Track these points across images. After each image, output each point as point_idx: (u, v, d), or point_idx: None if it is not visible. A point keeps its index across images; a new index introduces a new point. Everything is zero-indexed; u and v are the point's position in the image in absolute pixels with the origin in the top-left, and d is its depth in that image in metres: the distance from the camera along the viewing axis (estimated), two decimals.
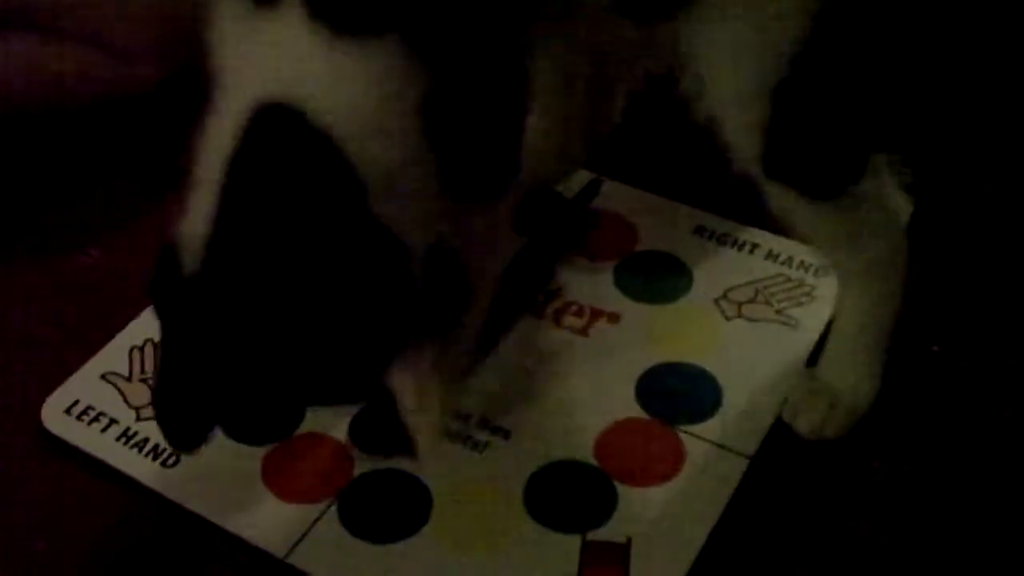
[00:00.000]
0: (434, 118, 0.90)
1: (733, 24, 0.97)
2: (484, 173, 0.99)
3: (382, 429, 1.01)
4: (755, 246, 1.28)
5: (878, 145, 1.06)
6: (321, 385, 0.94)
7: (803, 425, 1.12)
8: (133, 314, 1.23)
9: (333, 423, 1.13)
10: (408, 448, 0.95)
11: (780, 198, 1.04)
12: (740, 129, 1.00)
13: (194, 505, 1.09)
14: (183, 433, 0.96)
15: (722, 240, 1.29)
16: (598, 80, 1.27)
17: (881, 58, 1.01)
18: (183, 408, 0.94)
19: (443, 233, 0.93)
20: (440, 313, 0.94)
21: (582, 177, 1.34)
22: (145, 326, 1.22)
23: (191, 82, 1.38)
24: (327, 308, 0.89)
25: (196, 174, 0.91)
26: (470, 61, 0.93)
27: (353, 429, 1.10)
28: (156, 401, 0.97)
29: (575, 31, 1.06)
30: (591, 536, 1.06)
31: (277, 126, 0.88)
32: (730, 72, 0.99)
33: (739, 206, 1.22)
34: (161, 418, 0.96)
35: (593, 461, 1.11)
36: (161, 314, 0.93)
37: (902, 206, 1.10)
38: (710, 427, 1.13)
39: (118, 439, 1.14)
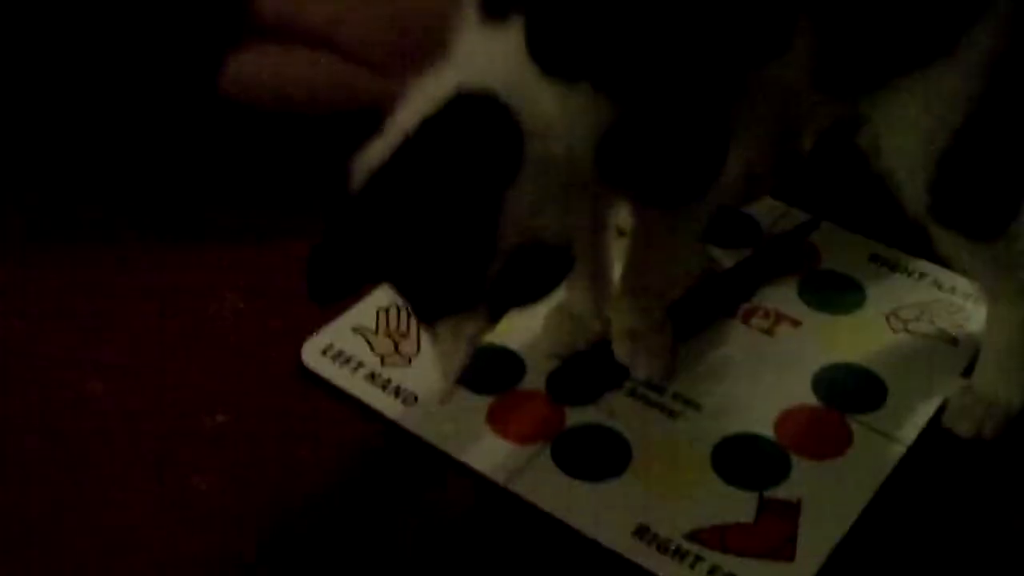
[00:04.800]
0: (609, 148, 1.11)
1: (909, 105, 1.16)
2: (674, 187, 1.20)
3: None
4: (923, 275, 1.45)
5: None
6: (406, 291, 1.15)
7: (963, 428, 1.28)
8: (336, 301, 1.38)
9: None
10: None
11: (946, 240, 1.23)
12: (911, 186, 1.19)
13: (428, 436, 1.28)
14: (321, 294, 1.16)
15: (894, 267, 1.46)
16: (788, 118, 1.45)
17: None
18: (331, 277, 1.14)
19: (548, 232, 1.10)
20: (514, 297, 1.13)
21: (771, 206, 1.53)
22: (391, 292, 1.42)
23: None
24: (418, 246, 1.09)
25: (389, 124, 1.12)
26: (657, 107, 1.12)
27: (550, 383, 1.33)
28: (311, 265, 1.14)
29: (766, 97, 1.23)
30: (767, 494, 1.23)
31: (476, 104, 1.08)
32: (902, 141, 1.17)
33: (912, 241, 1.41)
34: (312, 278, 1.14)
35: (772, 435, 1.28)
36: (328, 216, 1.13)
37: None
38: (875, 417, 1.29)
39: (365, 379, 1.34)
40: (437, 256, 1.10)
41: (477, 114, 1.09)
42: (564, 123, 1.09)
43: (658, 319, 1.32)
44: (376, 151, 1.11)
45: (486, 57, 1.11)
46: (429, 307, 1.15)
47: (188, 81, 1.62)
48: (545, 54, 1.10)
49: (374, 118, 1.63)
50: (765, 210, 1.53)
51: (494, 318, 1.14)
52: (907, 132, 1.17)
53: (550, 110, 1.09)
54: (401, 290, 1.16)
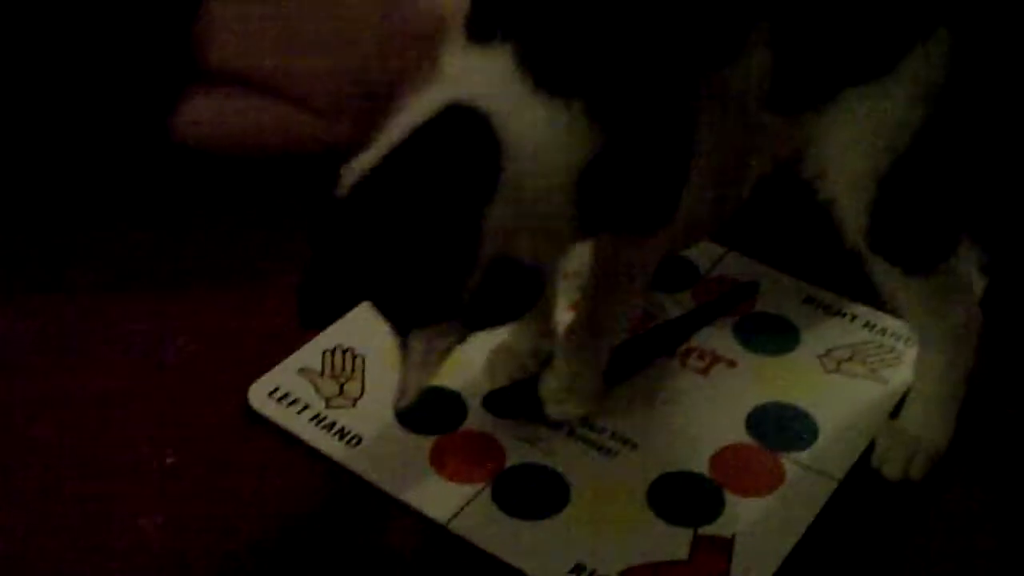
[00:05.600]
0: (591, 179, 1.14)
1: (853, 124, 1.20)
2: (639, 217, 1.24)
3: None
4: (856, 317, 1.49)
5: (964, 228, 1.27)
6: (386, 299, 1.17)
7: (889, 469, 1.32)
8: (327, 323, 1.46)
9: (494, 423, 1.36)
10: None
11: (881, 271, 1.26)
12: (851, 210, 1.22)
13: (372, 477, 1.31)
14: (314, 313, 1.20)
15: (828, 309, 1.50)
16: (733, 158, 1.49)
17: (975, 156, 1.23)
18: (319, 294, 1.18)
19: (524, 252, 1.14)
20: (490, 313, 1.16)
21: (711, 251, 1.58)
22: (336, 334, 1.45)
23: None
24: (401, 253, 1.12)
25: (380, 134, 1.15)
26: (640, 131, 1.17)
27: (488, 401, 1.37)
28: (301, 287, 1.18)
29: (723, 114, 1.28)
30: (702, 531, 1.26)
31: (462, 119, 1.12)
32: (846, 162, 1.21)
33: (846, 284, 1.45)
34: (301, 300, 1.19)
35: (707, 473, 1.32)
36: (314, 222, 1.17)
37: (978, 282, 1.31)
38: (807, 455, 1.33)
39: (310, 420, 1.37)
40: (418, 261, 1.12)
41: (460, 128, 1.12)
42: (552, 146, 1.13)
43: (599, 361, 1.35)
44: (364, 159, 1.15)
45: (474, 75, 1.15)
46: (406, 316, 1.16)
47: (138, 127, 1.65)
48: (541, 66, 1.13)
49: (321, 163, 1.67)
50: (703, 253, 1.56)
51: (465, 334, 1.17)
52: (850, 154, 1.21)
53: (537, 131, 1.13)
54: (380, 296, 1.16)
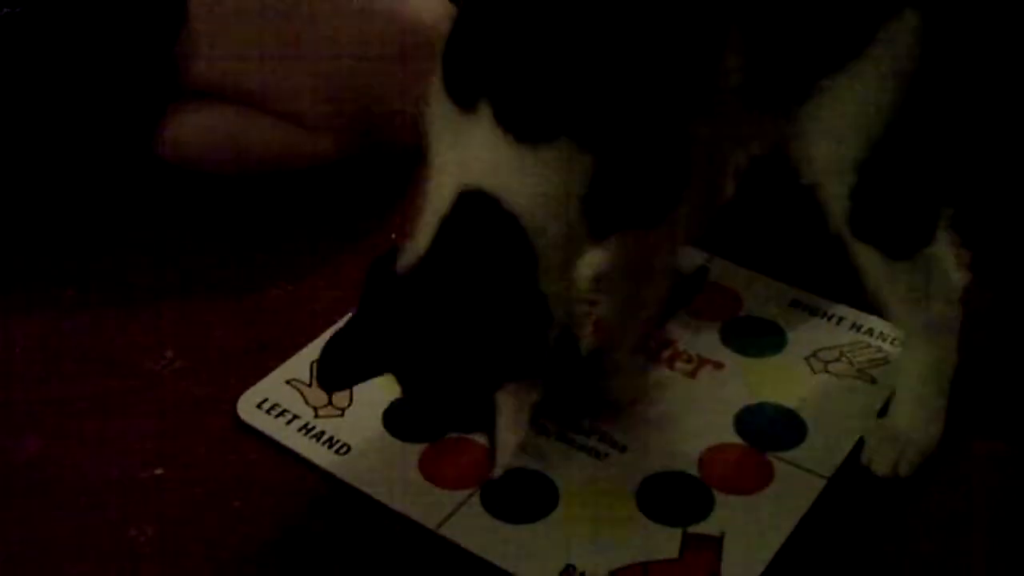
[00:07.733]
0: (594, 194, 1.17)
1: (829, 112, 1.21)
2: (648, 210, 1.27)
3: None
4: (842, 319, 1.50)
5: (942, 213, 1.27)
6: (454, 385, 1.22)
7: (879, 466, 1.32)
8: (315, 334, 1.46)
9: None
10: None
11: (863, 256, 1.27)
12: (833, 195, 1.24)
13: (361, 485, 1.31)
14: (335, 378, 1.27)
15: (814, 312, 1.51)
16: (714, 157, 1.50)
17: (952, 137, 1.24)
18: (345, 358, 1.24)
19: (571, 316, 1.22)
20: (556, 368, 1.21)
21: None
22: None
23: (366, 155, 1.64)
24: (480, 335, 1.17)
25: (415, 222, 1.20)
26: (631, 150, 1.19)
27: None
28: (328, 344, 1.25)
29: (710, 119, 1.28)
30: (691, 530, 1.26)
31: (477, 206, 1.16)
32: (825, 149, 1.22)
33: (832, 287, 1.46)
34: (323, 360, 1.26)
35: (696, 473, 1.32)
36: (368, 285, 1.23)
37: (960, 278, 1.31)
38: (796, 454, 1.33)
39: (299, 430, 1.37)
40: (505, 328, 1.18)
41: (481, 221, 1.17)
42: (553, 197, 1.16)
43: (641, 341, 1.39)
44: (414, 246, 1.20)
45: (468, 149, 1.18)
46: (495, 376, 1.20)
47: (125, 144, 1.66)
48: (517, 120, 1.15)
49: (306, 177, 1.69)
50: (690, 261, 1.56)
51: (541, 391, 1.22)
52: (829, 140, 1.22)
53: (539, 189, 1.16)
54: (458, 368, 1.20)
